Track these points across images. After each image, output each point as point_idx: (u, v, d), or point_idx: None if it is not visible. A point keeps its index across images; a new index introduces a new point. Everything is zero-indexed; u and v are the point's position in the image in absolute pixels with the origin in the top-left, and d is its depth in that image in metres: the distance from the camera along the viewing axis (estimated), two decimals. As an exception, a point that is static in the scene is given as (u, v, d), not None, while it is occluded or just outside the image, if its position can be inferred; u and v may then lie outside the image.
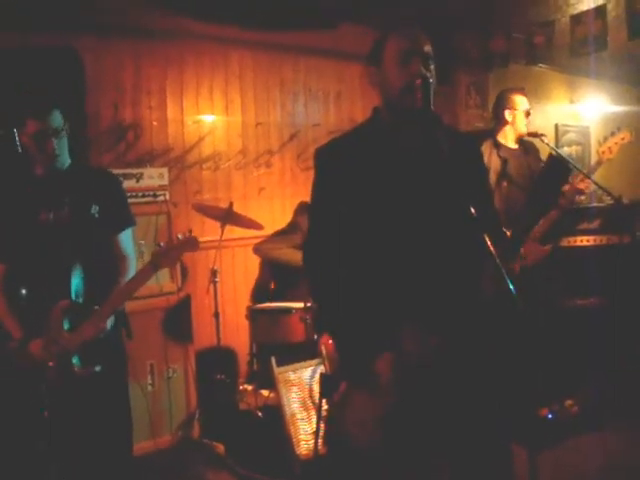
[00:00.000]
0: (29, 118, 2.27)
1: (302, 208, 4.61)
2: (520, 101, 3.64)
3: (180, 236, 2.34)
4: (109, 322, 2.30)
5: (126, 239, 2.48)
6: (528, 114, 3.65)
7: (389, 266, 1.73)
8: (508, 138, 3.68)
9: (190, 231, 2.37)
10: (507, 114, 3.66)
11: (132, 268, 2.44)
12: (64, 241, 2.31)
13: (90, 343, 2.23)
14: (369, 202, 1.74)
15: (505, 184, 3.59)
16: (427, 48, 1.76)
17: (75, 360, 2.24)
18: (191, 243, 2.34)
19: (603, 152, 3.48)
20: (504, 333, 1.76)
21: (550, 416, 3.48)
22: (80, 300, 2.30)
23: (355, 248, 1.75)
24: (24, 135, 2.28)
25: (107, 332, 2.28)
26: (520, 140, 3.68)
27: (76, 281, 2.29)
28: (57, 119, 2.32)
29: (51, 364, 2.19)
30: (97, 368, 2.24)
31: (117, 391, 2.42)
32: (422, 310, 1.71)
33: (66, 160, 2.41)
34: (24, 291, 2.33)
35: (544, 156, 3.67)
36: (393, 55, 1.75)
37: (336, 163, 1.81)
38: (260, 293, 4.46)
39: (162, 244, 2.33)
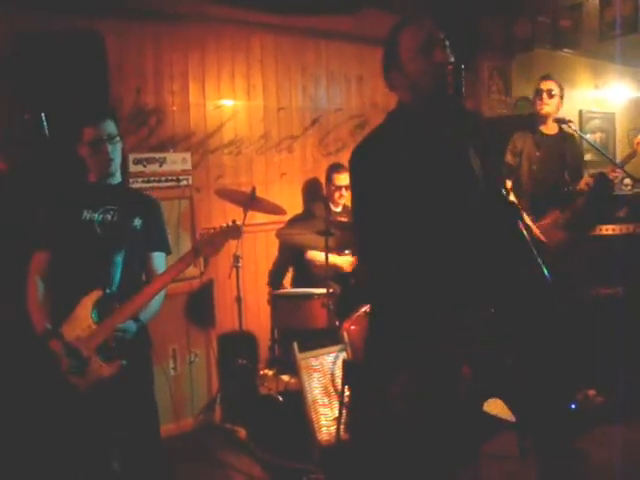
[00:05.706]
0: (86, 126, 2.37)
1: (313, 195, 4.60)
2: (541, 86, 3.74)
3: (224, 224, 2.34)
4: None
5: (159, 261, 2.50)
6: (548, 94, 3.70)
7: (446, 259, 1.70)
8: (544, 125, 3.71)
9: (234, 220, 2.38)
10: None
11: None
12: (108, 240, 2.36)
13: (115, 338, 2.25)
14: (424, 197, 1.69)
15: (536, 168, 3.59)
16: (443, 34, 1.74)
17: (100, 356, 2.24)
18: (235, 231, 2.34)
19: (638, 143, 3.44)
20: (539, 318, 1.75)
21: (573, 406, 3.45)
22: (113, 290, 2.33)
23: (415, 243, 1.69)
24: (82, 144, 2.39)
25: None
26: (560, 127, 3.72)
27: (116, 273, 2.34)
28: (111, 126, 2.41)
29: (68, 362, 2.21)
30: (123, 362, 2.25)
31: (143, 380, 2.45)
32: (474, 296, 1.70)
33: (117, 170, 2.46)
34: (61, 282, 2.36)
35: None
36: (413, 50, 1.73)
37: (383, 164, 1.73)
38: (277, 278, 4.45)
39: (205, 231, 2.35)
